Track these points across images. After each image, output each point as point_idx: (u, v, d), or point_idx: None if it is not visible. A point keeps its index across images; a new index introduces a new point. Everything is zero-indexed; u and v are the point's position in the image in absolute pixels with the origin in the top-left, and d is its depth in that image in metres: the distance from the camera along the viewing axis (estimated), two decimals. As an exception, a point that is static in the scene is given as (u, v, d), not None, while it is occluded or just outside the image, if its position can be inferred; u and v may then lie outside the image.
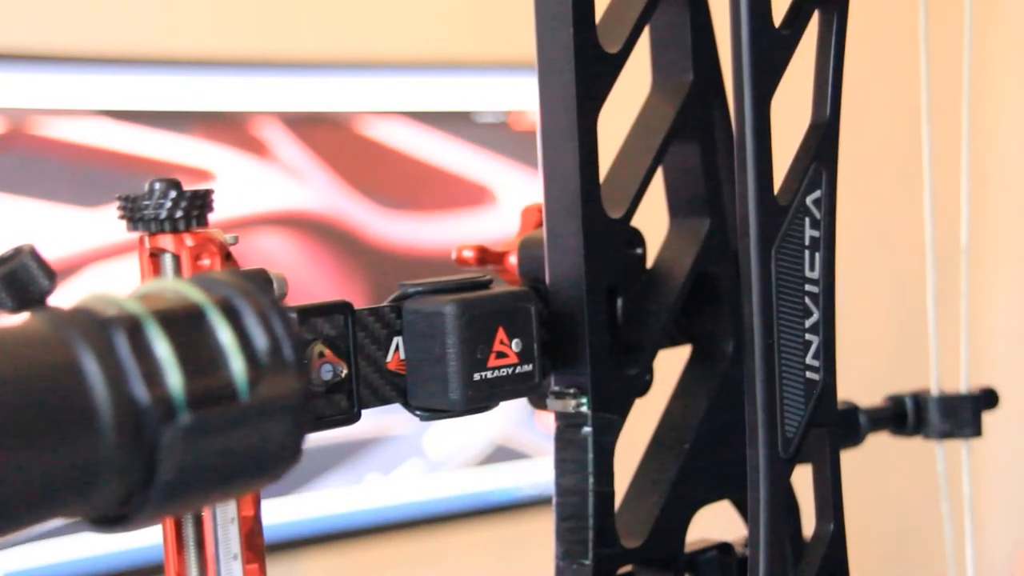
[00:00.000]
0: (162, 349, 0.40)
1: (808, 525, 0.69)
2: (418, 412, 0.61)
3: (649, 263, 0.69)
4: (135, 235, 0.56)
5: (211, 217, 0.56)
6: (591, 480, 0.63)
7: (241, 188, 1.42)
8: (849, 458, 0.71)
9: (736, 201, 0.62)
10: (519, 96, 1.58)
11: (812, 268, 0.64)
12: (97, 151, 1.34)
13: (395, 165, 1.52)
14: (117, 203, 0.55)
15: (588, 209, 0.63)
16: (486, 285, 0.62)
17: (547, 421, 1.53)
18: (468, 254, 0.69)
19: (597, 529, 0.63)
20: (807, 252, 0.64)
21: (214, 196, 0.55)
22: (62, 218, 1.31)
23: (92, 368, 0.38)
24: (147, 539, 1.31)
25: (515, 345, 0.61)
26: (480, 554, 1.68)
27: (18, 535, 0.39)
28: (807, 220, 0.64)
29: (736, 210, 0.62)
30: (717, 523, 0.73)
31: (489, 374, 0.60)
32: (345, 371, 0.58)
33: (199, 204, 0.54)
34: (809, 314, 0.64)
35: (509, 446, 1.58)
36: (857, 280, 1.84)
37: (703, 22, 0.69)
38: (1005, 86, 2.03)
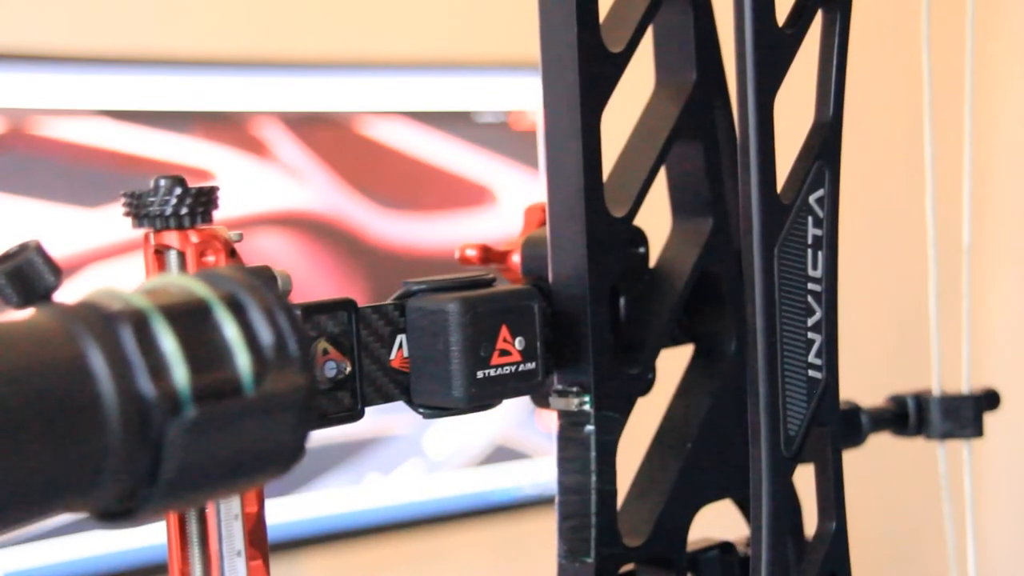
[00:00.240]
0: (168, 343, 0.40)
1: (810, 524, 0.69)
2: (421, 410, 0.61)
3: (652, 262, 0.69)
4: (135, 235, 0.56)
5: (213, 215, 0.56)
6: (593, 479, 0.63)
7: (241, 188, 1.42)
8: (851, 458, 0.71)
9: (739, 200, 0.62)
10: (519, 96, 1.58)
11: (815, 267, 0.64)
12: (97, 151, 1.34)
13: (395, 165, 1.52)
14: (122, 200, 0.55)
15: (591, 208, 0.63)
16: (489, 283, 0.62)
17: (547, 421, 1.53)
18: (471, 253, 0.69)
19: (599, 528, 0.63)
20: (810, 251, 0.64)
21: (219, 193, 0.55)
22: (62, 218, 1.31)
23: (98, 362, 0.38)
24: (149, 538, 1.31)
25: (518, 343, 0.61)
26: (480, 554, 1.68)
27: (21, 531, 0.39)
28: (810, 219, 0.64)
29: (739, 209, 0.62)
30: (719, 522, 0.73)
31: (492, 372, 0.60)
32: (349, 368, 0.58)
33: (204, 201, 0.54)
34: (811, 313, 0.64)
35: (509, 446, 1.58)
36: (859, 280, 1.84)
37: (706, 22, 0.69)
38: (1007, 86, 2.03)
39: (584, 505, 0.63)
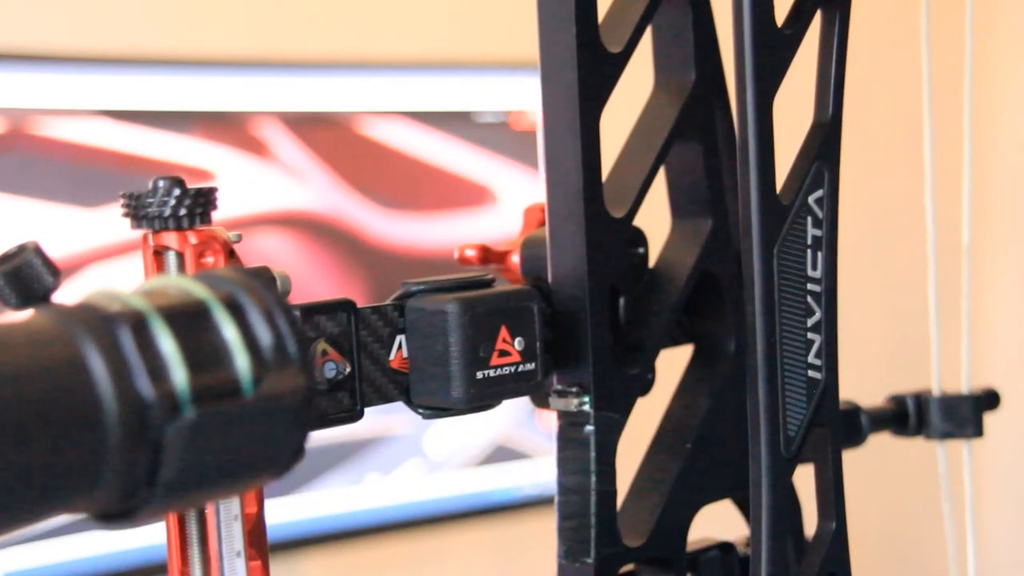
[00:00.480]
0: (167, 345, 0.40)
1: (810, 524, 0.69)
2: (421, 410, 0.61)
3: (651, 262, 0.69)
4: (135, 235, 0.56)
5: (213, 216, 0.56)
6: (593, 479, 0.63)
7: (241, 188, 1.42)
8: (851, 458, 0.71)
9: (738, 200, 0.62)
10: (519, 96, 1.58)
11: (814, 267, 0.64)
12: (97, 151, 1.34)
13: (395, 165, 1.52)
14: (121, 201, 0.55)
15: (590, 208, 0.63)
16: (489, 284, 0.62)
17: (547, 421, 1.53)
18: (471, 253, 0.69)
19: (599, 528, 0.63)
20: (809, 251, 0.64)
21: (218, 194, 0.55)
22: (62, 218, 1.31)
23: (97, 364, 0.38)
24: (149, 538, 1.31)
25: (517, 344, 0.61)
26: (480, 554, 1.68)
27: (20, 532, 0.39)
28: (809, 219, 0.64)
29: (738, 209, 0.62)
30: (719, 522, 0.73)
31: (492, 372, 0.60)
32: (348, 369, 0.58)
33: (203, 202, 0.54)
34: (811, 313, 0.64)
35: (509, 446, 1.58)
36: (859, 280, 1.84)
37: (705, 22, 0.69)
38: (1006, 86, 2.03)
39: (584, 505, 0.63)
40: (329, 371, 0.57)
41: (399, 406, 0.61)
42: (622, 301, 0.67)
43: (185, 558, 0.56)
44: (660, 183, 0.70)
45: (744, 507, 0.72)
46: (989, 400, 0.84)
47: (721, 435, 0.70)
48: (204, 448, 0.40)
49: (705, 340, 0.72)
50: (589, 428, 0.63)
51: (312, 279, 1.46)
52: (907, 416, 0.84)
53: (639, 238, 0.68)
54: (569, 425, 0.64)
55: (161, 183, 0.54)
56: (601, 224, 0.64)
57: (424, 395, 0.60)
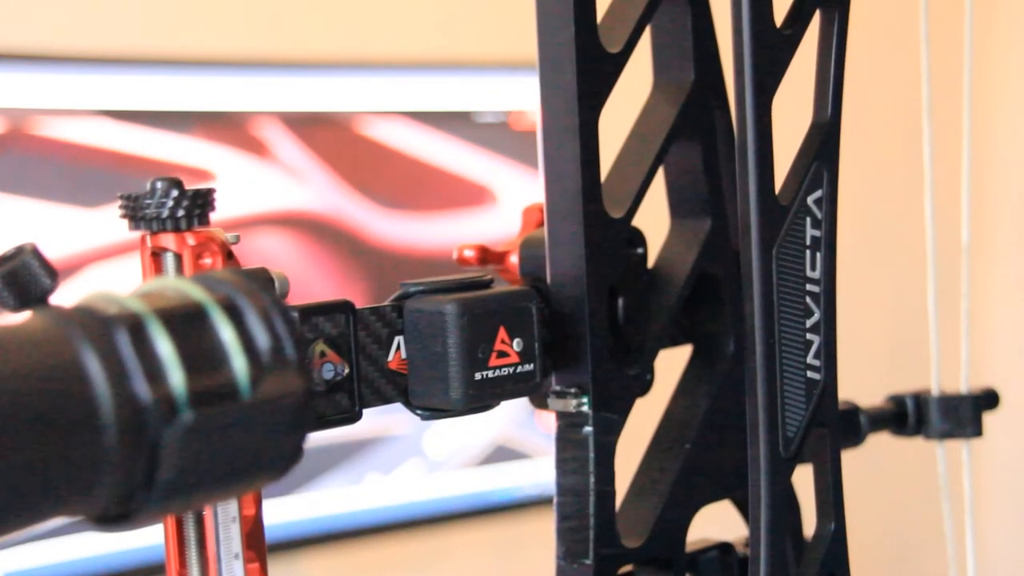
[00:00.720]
0: (164, 347, 0.40)
1: (809, 525, 0.69)
2: (419, 411, 0.61)
3: (650, 263, 0.69)
4: (135, 235, 0.56)
5: (212, 217, 0.56)
6: (592, 480, 0.63)
7: (241, 188, 1.42)
8: (850, 458, 0.71)
9: (737, 201, 0.62)
10: (519, 96, 1.58)
11: (813, 268, 0.64)
12: (97, 151, 1.34)
13: (395, 165, 1.52)
14: (119, 202, 0.55)
15: (589, 209, 0.63)
16: (487, 285, 0.62)
17: (547, 421, 1.53)
18: (469, 254, 0.69)
19: (598, 529, 0.63)
20: (808, 252, 0.64)
21: (216, 195, 0.55)
22: (62, 218, 1.31)
23: (94, 366, 0.38)
24: (148, 539, 1.31)
25: (516, 344, 0.61)
26: (480, 554, 1.68)
27: (18, 534, 0.39)
28: (808, 220, 0.64)
29: (737, 210, 0.62)
30: (718, 523, 0.73)
31: (490, 373, 0.60)
32: (346, 370, 0.58)
33: (201, 203, 0.54)
34: (810, 314, 0.64)
35: (509, 446, 1.58)
36: (858, 280, 1.84)
37: (704, 22, 0.69)
38: (1006, 86, 2.03)
39: (583, 506, 0.63)
40: (327, 372, 0.57)
41: (399, 406, 0.61)
42: (621, 301, 0.67)
43: (183, 560, 0.56)
44: (659, 183, 0.70)
45: (744, 507, 0.72)
46: (988, 400, 0.84)
47: (720, 435, 0.70)
48: (202, 450, 0.40)
49: (704, 340, 0.72)
50: (588, 429, 0.63)
51: (312, 279, 1.46)
52: (906, 416, 0.84)
53: (638, 238, 0.68)
54: (568, 426, 0.64)
55: (159, 184, 0.54)
56: (600, 224, 0.64)
57: (422, 396, 0.60)
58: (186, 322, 0.40)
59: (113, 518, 0.40)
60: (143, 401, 0.39)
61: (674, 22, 0.69)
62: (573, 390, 0.64)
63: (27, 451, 0.37)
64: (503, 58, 1.58)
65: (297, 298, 0.56)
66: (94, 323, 0.39)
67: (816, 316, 0.64)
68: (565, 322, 0.64)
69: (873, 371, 1.48)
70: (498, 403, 0.62)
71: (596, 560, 0.63)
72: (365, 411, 0.59)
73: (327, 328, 0.57)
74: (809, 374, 0.64)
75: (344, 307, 0.58)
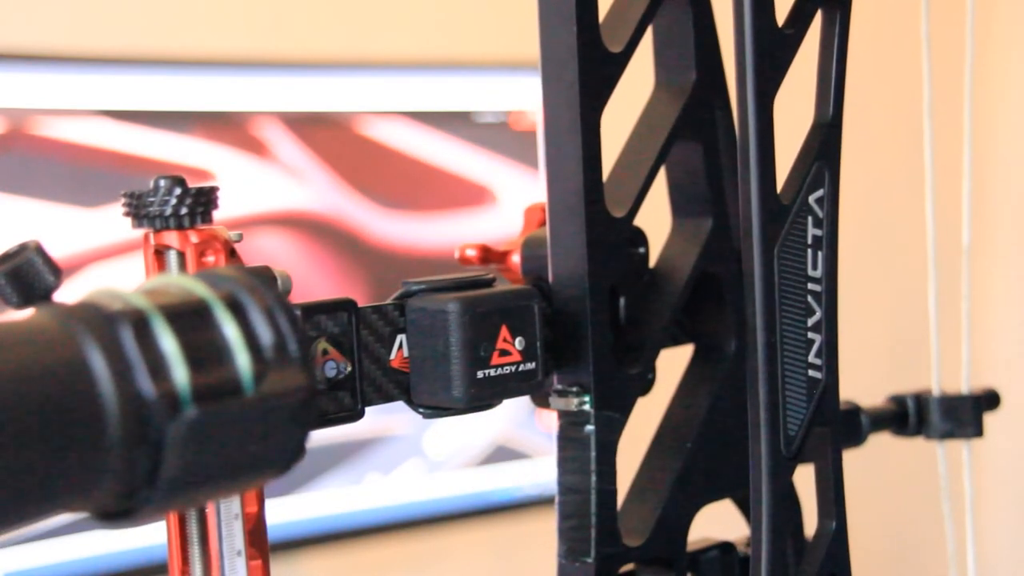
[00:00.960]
0: (168, 344, 0.40)
1: (810, 524, 0.69)
2: (421, 409, 0.61)
3: (652, 262, 0.69)
4: (136, 235, 0.56)
5: (213, 216, 0.56)
6: (593, 478, 0.63)
7: (241, 188, 1.42)
8: (851, 458, 0.71)
9: (739, 200, 0.62)
10: (519, 96, 1.58)
11: (815, 267, 0.64)
12: (97, 151, 1.34)
13: (395, 165, 1.52)
14: (122, 200, 0.55)
15: (591, 208, 0.63)
16: (489, 283, 0.62)
17: (547, 421, 1.53)
18: (471, 253, 0.69)
19: (599, 528, 0.63)
20: (810, 251, 0.64)
21: (219, 193, 0.55)
22: (62, 218, 1.31)
23: (98, 363, 0.38)
24: (149, 538, 1.31)
25: (518, 343, 0.61)
26: (480, 554, 1.68)
27: (18, 532, 0.39)
28: (810, 219, 0.64)
29: (739, 209, 0.62)
30: (719, 522, 0.73)
31: (492, 372, 0.60)
32: (349, 368, 0.58)
33: (204, 201, 0.54)
34: (811, 313, 0.64)
35: (509, 446, 1.58)
36: (859, 280, 1.84)
37: (706, 22, 0.69)
38: (1006, 86, 2.03)
39: (584, 505, 0.63)
40: (330, 370, 0.57)
41: (399, 405, 0.61)
42: (622, 301, 0.67)
43: (186, 557, 0.56)
44: (660, 183, 0.70)
45: (744, 507, 0.72)
46: (989, 400, 0.84)
47: (721, 435, 0.70)
48: (205, 447, 0.40)
49: (705, 340, 0.72)
50: (589, 428, 0.63)
51: (312, 279, 1.46)
52: (907, 416, 0.84)
53: (639, 238, 0.68)
54: (569, 425, 0.64)
55: (162, 182, 0.54)
56: (602, 224, 0.64)
57: (425, 394, 0.60)
58: (190, 318, 0.41)
59: (116, 514, 0.40)
60: (147, 397, 0.39)
61: (676, 22, 0.69)
62: (575, 389, 0.64)
63: (31, 447, 0.37)
64: (503, 58, 1.58)
65: (297, 298, 0.56)
66: (98, 319, 0.39)
67: (817, 315, 0.64)
68: (567, 321, 0.64)
69: (874, 371, 1.48)
70: (500, 401, 0.62)
71: (597, 559, 0.63)
72: (367, 410, 0.59)
73: (329, 326, 0.57)
74: (811, 373, 0.64)
75: (346, 305, 0.58)
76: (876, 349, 1.95)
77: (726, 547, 0.71)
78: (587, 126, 0.63)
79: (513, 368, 0.61)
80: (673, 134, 0.68)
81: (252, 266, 0.54)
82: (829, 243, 0.65)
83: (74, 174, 1.32)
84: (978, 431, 0.84)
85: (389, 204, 1.52)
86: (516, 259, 0.68)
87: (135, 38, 1.44)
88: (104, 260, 1.33)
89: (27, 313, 0.41)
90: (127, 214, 0.55)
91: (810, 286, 0.64)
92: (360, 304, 0.59)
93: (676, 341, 0.72)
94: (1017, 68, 2.03)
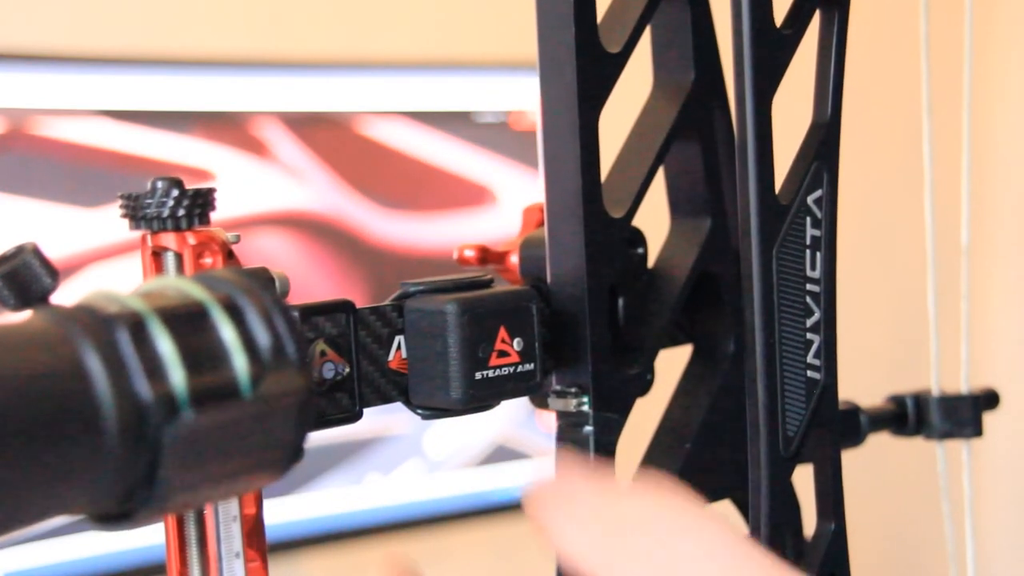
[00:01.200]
0: (165, 346, 0.40)
1: (809, 524, 0.69)
2: (419, 411, 0.61)
3: (650, 263, 0.69)
4: (135, 235, 0.56)
5: (212, 216, 0.56)
6: (592, 479, 0.63)
7: (241, 188, 1.42)
8: (850, 458, 0.71)
9: (737, 201, 0.62)
10: (519, 96, 1.58)
11: (813, 267, 0.64)
12: (97, 151, 1.34)
13: (395, 165, 1.52)
14: (120, 202, 0.55)
15: (589, 209, 0.63)
16: (487, 284, 0.62)
17: (547, 421, 1.53)
18: (469, 253, 0.69)
19: (598, 528, 0.63)
20: (808, 251, 0.64)
21: (216, 195, 0.55)
22: (62, 218, 1.31)
23: (95, 365, 0.38)
24: (148, 538, 1.31)
25: (516, 344, 0.61)
26: (480, 554, 1.68)
27: (18, 533, 0.39)
28: (808, 219, 0.64)
29: (737, 210, 0.62)
30: (718, 522, 0.73)
31: (490, 373, 0.60)
32: (347, 370, 0.58)
33: (201, 202, 0.54)
34: (810, 313, 0.64)
35: (509, 446, 1.58)
36: (858, 280, 1.84)
37: (704, 22, 0.69)
38: (1006, 86, 2.03)
39: (583, 506, 0.63)
40: (328, 372, 0.57)
41: (399, 406, 0.61)
42: (621, 301, 0.67)
43: (184, 559, 0.56)
44: (659, 183, 0.70)
45: (744, 507, 0.72)
46: (988, 400, 0.84)
47: (720, 435, 0.70)
48: (202, 449, 0.40)
49: (704, 340, 0.72)
50: (588, 428, 0.63)
51: (312, 279, 1.46)
52: (906, 416, 0.84)
53: (638, 238, 0.68)
54: (568, 425, 0.64)
55: (159, 184, 0.54)
56: (600, 224, 0.64)
57: (423, 396, 0.60)
58: (187, 321, 0.40)
59: (114, 517, 0.40)
60: (144, 400, 0.39)
61: (674, 22, 0.69)
62: (573, 390, 0.64)
63: (28, 450, 0.37)
64: (503, 58, 1.58)
65: (297, 298, 0.56)
66: (95, 322, 0.39)
67: (816, 316, 0.64)
68: (565, 322, 0.64)
69: (873, 371, 1.48)
70: (498, 402, 0.62)
71: (596, 560, 0.63)
72: (365, 411, 0.59)
73: (327, 328, 0.57)
74: (809, 374, 0.64)
75: (344, 307, 0.58)
76: (875, 349, 1.95)
77: (725, 547, 0.71)
78: (585, 126, 0.63)
79: (511, 369, 0.61)
80: (672, 134, 0.68)
81: (249, 268, 0.54)
82: (828, 243, 0.65)
83: (74, 174, 1.32)
84: (977, 431, 0.84)
85: (389, 204, 1.52)
86: (514, 260, 0.68)
87: (135, 38, 1.44)
88: (104, 260, 1.33)
89: (24, 315, 0.41)
90: (124, 216, 0.55)
91: (809, 286, 0.64)
92: (360, 304, 0.59)
93: (675, 341, 0.72)
94: (1016, 68, 2.03)
